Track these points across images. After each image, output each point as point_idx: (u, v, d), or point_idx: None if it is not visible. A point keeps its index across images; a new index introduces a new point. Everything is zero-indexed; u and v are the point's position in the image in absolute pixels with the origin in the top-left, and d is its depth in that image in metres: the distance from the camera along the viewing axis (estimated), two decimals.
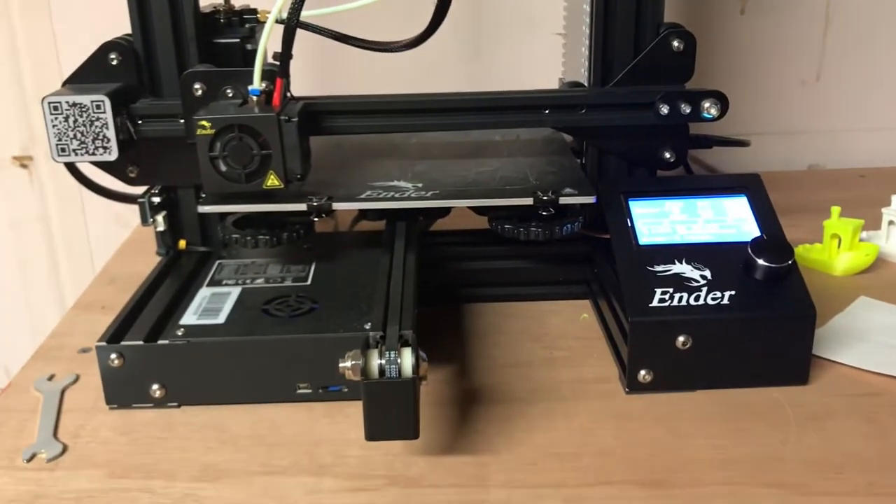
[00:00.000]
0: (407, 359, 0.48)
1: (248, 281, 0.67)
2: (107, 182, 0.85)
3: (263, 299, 0.64)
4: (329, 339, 0.58)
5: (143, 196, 0.71)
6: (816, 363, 0.62)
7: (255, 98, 0.63)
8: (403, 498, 0.51)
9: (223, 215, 0.73)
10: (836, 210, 0.79)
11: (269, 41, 0.61)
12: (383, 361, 0.48)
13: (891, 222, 0.81)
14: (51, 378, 0.64)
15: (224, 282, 0.67)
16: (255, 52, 0.62)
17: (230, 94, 0.65)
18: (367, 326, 0.58)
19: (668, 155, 0.70)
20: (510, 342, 0.68)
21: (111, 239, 1.13)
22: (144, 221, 0.71)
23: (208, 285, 0.67)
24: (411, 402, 0.47)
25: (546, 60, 0.90)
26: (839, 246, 0.78)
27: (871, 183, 1.02)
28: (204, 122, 0.60)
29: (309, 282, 0.67)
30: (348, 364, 0.48)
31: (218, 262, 0.71)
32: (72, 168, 0.81)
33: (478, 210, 0.69)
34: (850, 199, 0.88)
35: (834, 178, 1.06)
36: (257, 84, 0.62)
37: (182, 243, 0.74)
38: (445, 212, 0.72)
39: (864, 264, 0.78)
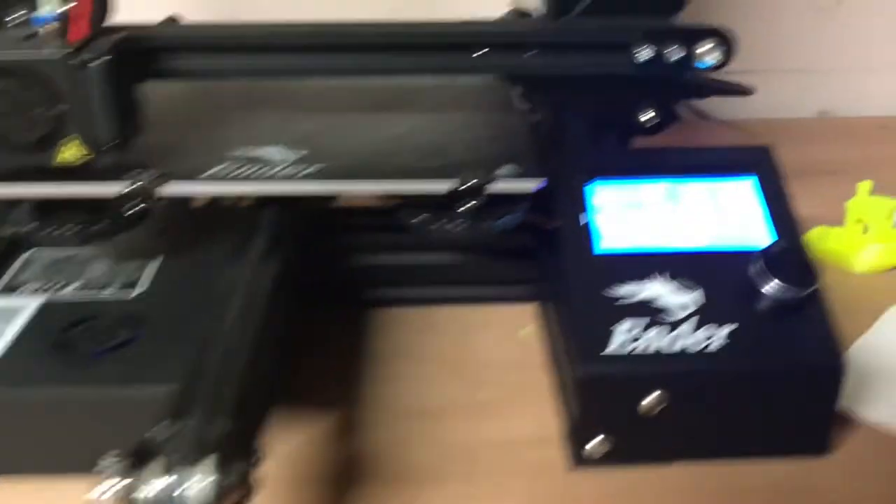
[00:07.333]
0: (196, 489, 0.29)
1: (58, 286, 0.48)
2: None
3: (67, 320, 0.45)
4: (139, 397, 0.40)
5: None
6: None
7: (44, 28, 0.43)
8: None
9: None
10: (864, 186, 0.60)
11: None
12: (157, 488, 0.29)
13: None
14: None
15: (24, 287, 0.48)
16: None
17: (18, 20, 0.45)
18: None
19: (645, 118, 0.51)
20: (420, 374, 0.49)
21: None
22: None
23: (1, 292, 0.48)
24: None
25: None
26: (865, 233, 0.59)
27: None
28: None
29: (137, 290, 0.47)
30: (101, 490, 0.30)
31: (30, 251, 0.52)
32: None
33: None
34: (872, 158, 0.74)
35: (849, 128, 0.87)
36: (46, 7, 0.42)
37: None
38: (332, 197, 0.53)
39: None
